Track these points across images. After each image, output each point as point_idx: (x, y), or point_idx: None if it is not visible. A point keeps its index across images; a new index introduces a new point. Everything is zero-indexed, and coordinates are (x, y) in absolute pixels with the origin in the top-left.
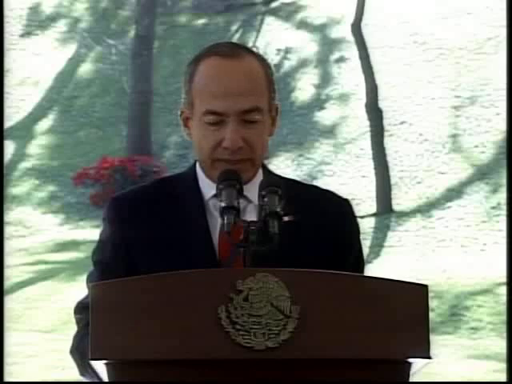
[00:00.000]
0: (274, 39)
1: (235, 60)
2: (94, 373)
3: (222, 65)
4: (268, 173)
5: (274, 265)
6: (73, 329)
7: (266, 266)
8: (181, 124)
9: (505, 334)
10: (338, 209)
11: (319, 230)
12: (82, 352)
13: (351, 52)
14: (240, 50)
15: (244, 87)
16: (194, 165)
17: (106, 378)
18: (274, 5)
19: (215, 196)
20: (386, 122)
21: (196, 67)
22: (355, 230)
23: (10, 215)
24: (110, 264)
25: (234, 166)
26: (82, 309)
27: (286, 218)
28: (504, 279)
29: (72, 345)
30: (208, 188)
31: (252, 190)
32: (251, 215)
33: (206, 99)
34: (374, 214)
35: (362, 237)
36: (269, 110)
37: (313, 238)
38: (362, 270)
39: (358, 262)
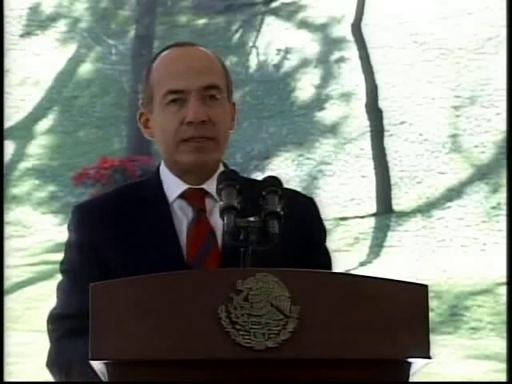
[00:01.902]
0: (274, 39)
1: (191, 47)
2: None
3: (179, 50)
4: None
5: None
6: None
7: (238, 266)
8: (141, 128)
9: (505, 334)
10: (303, 208)
11: (284, 229)
12: (61, 363)
13: (351, 52)
14: (196, 45)
15: (203, 66)
16: (158, 169)
17: (106, 378)
18: (274, 5)
19: (180, 197)
20: (386, 121)
21: (152, 63)
22: (320, 230)
23: (9, 215)
24: (80, 270)
25: (199, 144)
26: (55, 319)
27: (251, 219)
28: (504, 279)
29: (48, 358)
30: (172, 190)
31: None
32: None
33: (167, 81)
34: (373, 214)
35: (362, 237)
36: (228, 100)
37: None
38: (329, 269)
39: (326, 262)
